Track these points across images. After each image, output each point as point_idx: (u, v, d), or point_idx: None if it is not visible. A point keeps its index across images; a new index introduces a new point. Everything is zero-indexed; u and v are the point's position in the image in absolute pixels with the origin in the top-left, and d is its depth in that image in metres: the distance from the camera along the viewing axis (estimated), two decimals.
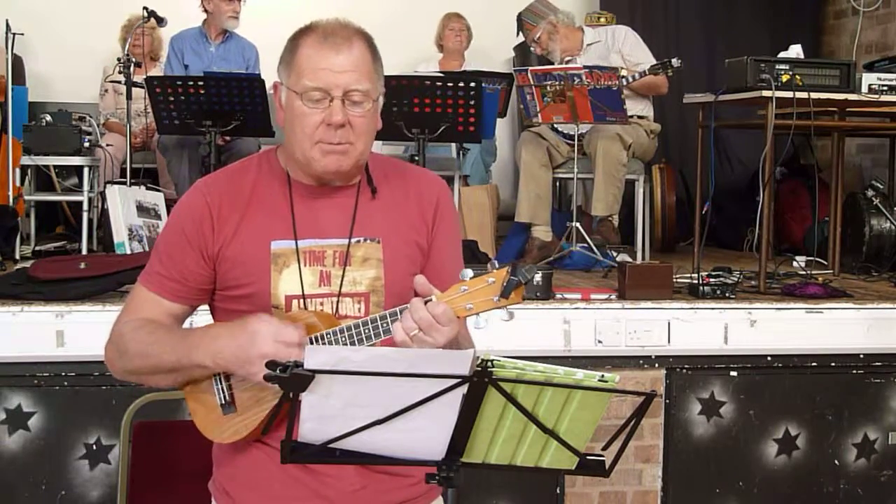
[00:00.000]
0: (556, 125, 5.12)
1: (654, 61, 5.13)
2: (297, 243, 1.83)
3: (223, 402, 1.81)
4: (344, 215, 1.86)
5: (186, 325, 1.94)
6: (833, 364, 3.93)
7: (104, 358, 1.89)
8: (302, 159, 1.81)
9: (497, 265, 1.64)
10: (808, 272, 4.61)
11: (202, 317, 1.98)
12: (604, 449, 1.55)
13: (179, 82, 4.70)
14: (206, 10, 5.59)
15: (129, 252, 4.43)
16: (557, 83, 4.77)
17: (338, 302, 1.84)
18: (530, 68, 4.99)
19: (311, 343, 1.74)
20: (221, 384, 1.81)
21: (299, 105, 1.77)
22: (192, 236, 1.84)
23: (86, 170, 5.05)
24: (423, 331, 1.65)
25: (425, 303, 1.66)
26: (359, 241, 1.86)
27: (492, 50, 6.71)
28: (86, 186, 5.02)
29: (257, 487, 1.85)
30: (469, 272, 1.65)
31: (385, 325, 1.73)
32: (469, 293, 1.64)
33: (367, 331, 1.74)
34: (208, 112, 4.64)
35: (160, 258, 1.87)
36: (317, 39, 1.77)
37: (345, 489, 1.82)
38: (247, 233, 1.83)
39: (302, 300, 1.83)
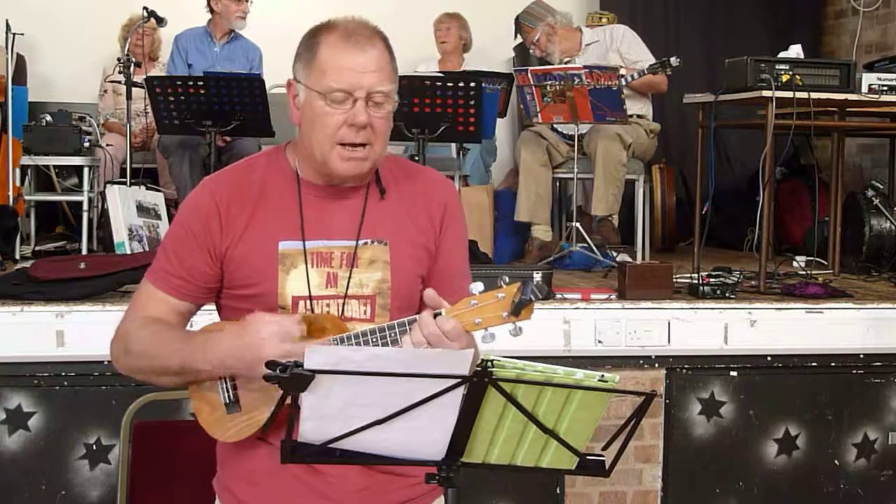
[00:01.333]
0: (555, 125, 5.12)
1: (652, 59, 5.13)
2: (304, 244, 1.82)
3: (227, 401, 1.81)
4: (352, 217, 1.85)
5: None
6: (833, 364, 3.93)
7: (109, 354, 1.88)
8: (320, 159, 1.80)
9: (507, 281, 1.64)
10: (808, 272, 4.61)
11: (202, 317, 1.98)
12: (604, 449, 1.55)
13: (179, 82, 4.70)
14: (212, 11, 5.59)
15: (129, 252, 4.43)
16: (557, 83, 4.77)
17: (343, 304, 1.83)
18: (530, 68, 4.99)
19: None
20: (226, 384, 1.81)
21: (321, 105, 1.75)
22: (199, 235, 1.83)
23: (86, 170, 5.05)
24: (431, 345, 1.64)
25: (434, 316, 1.65)
26: (366, 243, 1.85)
27: (492, 50, 6.70)
28: (86, 186, 5.02)
29: (260, 486, 1.85)
30: (480, 285, 1.64)
31: (394, 335, 1.73)
32: (478, 308, 1.64)
33: (374, 340, 1.74)
34: (208, 112, 4.64)
35: (167, 255, 1.87)
36: (339, 38, 1.76)
37: (348, 488, 1.82)
38: (255, 233, 1.83)
39: (308, 301, 1.82)
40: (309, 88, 1.78)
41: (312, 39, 1.79)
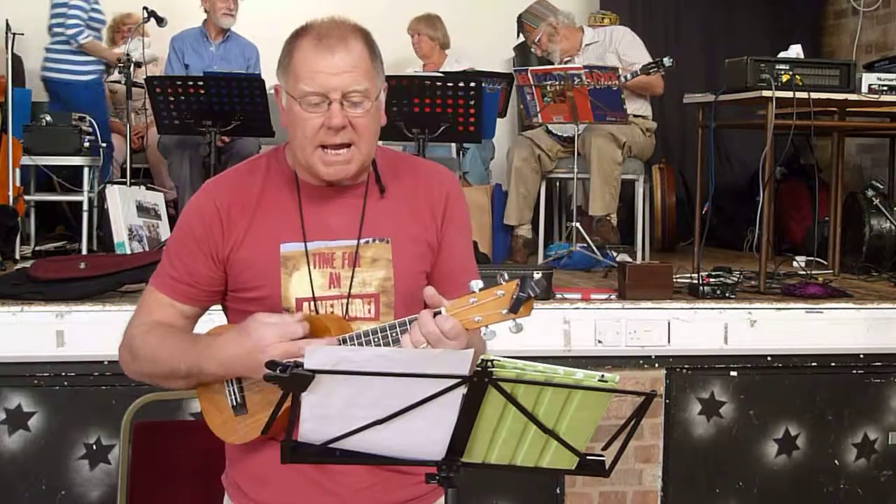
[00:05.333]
0: (548, 126, 5.13)
1: (649, 60, 5.13)
2: (306, 245, 1.82)
3: (234, 403, 1.81)
4: (352, 216, 1.84)
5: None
6: (833, 364, 3.93)
7: (118, 359, 1.88)
8: (305, 163, 1.80)
9: (507, 277, 1.64)
10: (808, 272, 4.61)
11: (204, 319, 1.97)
12: (604, 449, 1.54)
13: (179, 82, 4.70)
14: (206, 10, 5.60)
15: (129, 252, 4.43)
16: (557, 83, 4.77)
17: (347, 303, 1.83)
18: (530, 68, 4.99)
19: None
20: (233, 386, 1.82)
21: (298, 110, 1.75)
22: (201, 239, 1.83)
23: (86, 170, 5.05)
24: (431, 344, 1.64)
25: (434, 315, 1.64)
26: (368, 242, 1.84)
27: (492, 50, 6.70)
28: (86, 186, 5.01)
29: (269, 483, 1.85)
30: (479, 283, 1.64)
31: (395, 334, 1.72)
32: (478, 305, 1.64)
33: (376, 340, 1.73)
34: (208, 112, 4.64)
35: (171, 260, 1.87)
36: (311, 41, 1.75)
37: (354, 486, 1.82)
38: (256, 236, 1.83)
39: (312, 302, 1.82)
40: (287, 93, 1.78)
41: (289, 45, 1.79)
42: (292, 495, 1.84)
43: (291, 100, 1.77)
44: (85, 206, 4.95)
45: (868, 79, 4.39)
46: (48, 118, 5.10)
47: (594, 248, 4.77)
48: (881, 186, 5.12)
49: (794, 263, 5.02)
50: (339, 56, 1.74)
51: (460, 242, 1.94)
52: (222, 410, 1.83)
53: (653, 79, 5.11)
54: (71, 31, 5.59)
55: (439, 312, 1.65)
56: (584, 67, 4.75)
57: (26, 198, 5.12)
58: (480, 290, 1.63)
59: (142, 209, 4.72)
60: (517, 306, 1.61)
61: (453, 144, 5.40)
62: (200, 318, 1.94)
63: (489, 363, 1.41)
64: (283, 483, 1.84)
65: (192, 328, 1.90)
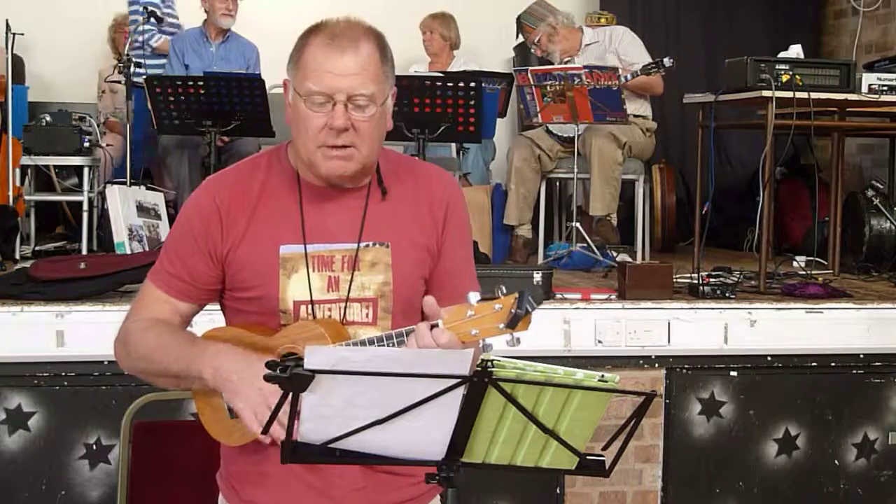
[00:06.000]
0: (548, 126, 5.14)
1: (649, 60, 5.14)
2: (305, 248, 1.81)
3: (230, 405, 1.81)
4: (353, 219, 1.83)
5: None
6: (833, 364, 3.93)
7: (113, 353, 1.88)
8: (306, 161, 1.80)
9: (504, 291, 1.63)
10: (808, 272, 4.61)
11: (202, 317, 1.97)
12: (604, 449, 1.54)
13: (179, 82, 4.70)
14: (205, 11, 5.60)
15: (129, 252, 4.43)
16: (557, 83, 4.77)
17: (345, 307, 1.82)
18: (530, 68, 4.99)
19: None
20: None
21: (303, 108, 1.75)
22: (200, 237, 1.82)
23: (86, 170, 5.04)
24: None
25: (431, 328, 1.63)
26: (368, 246, 1.83)
27: (491, 50, 6.70)
28: (86, 186, 5.01)
29: (262, 484, 1.85)
30: (476, 295, 1.62)
31: (391, 345, 1.72)
32: (475, 319, 1.63)
33: None
34: (208, 112, 4.64)
35: (169, 256, 1.86)
36: (323, 40, 1.74)
37: (348, 487, 1.82)
38: (256, 236, 1.82)
39: (310, 305, 1.81)
40: (294, 90, 1.78)
41: (301, 41, 1.78)
42: (286, 497, 1.83)
43: (297, 96, 1.76)
44: (85, 206, 4.95)
45: (868, 79, 4.39)
46: (48, 118, 5.10)
47: (594, 248, 4.77)
48: (881, 186, 5.13)
49: (794, 263, 5.01)
50: (349, 58, 1.73)
51: (460, 246, 1.93)
52: (217, 412, 1.82)
53: (653, 79, 5.12)
54: (143, 36, 5.57)
55: (436, 325, 1.64)
56: (584, 67, 4.75)
57: (26, 198, 5.12)
58: (478, 302, 1.62)
59: (142, 209, 4.71)
60: (515, 322, 1.60)
61: (453, 144, 5.40)
62: (201, 317, 1.94)
63: (489, 363, 1.41)
64: (276, 484, 1.83)
65: (187, 325, 1.90)
